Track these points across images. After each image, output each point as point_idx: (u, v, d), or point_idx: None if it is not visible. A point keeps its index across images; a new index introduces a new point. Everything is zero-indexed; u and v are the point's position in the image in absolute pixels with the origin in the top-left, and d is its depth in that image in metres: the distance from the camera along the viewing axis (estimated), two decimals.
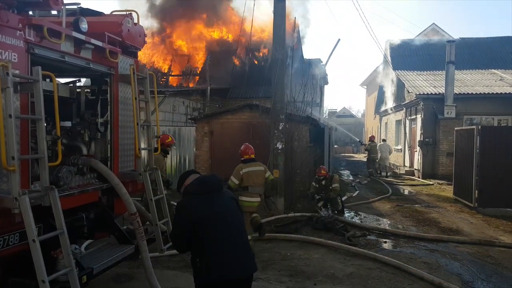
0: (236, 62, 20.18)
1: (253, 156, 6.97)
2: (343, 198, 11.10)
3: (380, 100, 28.88)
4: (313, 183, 10.13)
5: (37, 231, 3.21)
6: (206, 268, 3.01)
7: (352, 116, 55.50)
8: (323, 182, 9.95)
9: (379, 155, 18.99)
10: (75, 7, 4.77)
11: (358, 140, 24.85)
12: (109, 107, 4.75)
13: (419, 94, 17.88)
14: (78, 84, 5.18)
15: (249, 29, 13.59)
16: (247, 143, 7.21)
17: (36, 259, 3.08)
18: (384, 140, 21.18)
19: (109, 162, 4.73)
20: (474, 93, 17.51)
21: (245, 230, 3.38)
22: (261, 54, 21.95)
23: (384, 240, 7.78)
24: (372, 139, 19.67)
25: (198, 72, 21.51)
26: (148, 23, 21.21)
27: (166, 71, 21.95)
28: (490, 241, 7.56)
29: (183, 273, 5.77)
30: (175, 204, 3.85)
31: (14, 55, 3.32)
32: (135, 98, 4.66)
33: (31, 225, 3.08)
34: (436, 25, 30.35)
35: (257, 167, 6.90)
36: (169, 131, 13.59)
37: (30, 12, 3.97)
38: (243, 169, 6.78)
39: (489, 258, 6.70)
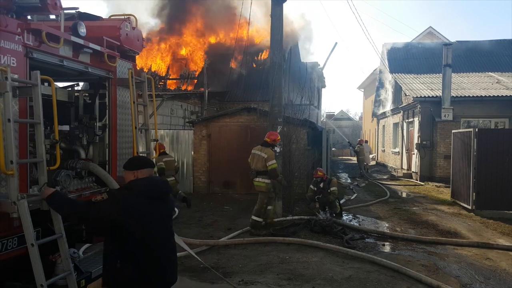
0: (234, 65, 20.21)
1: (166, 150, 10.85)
2: (341, 201, 11.11)
3: (378, 103, 28.97)
4: (311, 186, 10.14)
5: (36, 235, 3.21)
6: (141, 274, 2.89)
7: (349, 119, 55.57)
8: (321, 185, 9.96)
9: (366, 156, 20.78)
10: (73, 11, 4.78)
11: (348, 141, 25.63)
12: (107, 111, 4.75)
13: (416, 97, 17.94)
14: (76, 88, 5.19)
15: (248, 32, 13.62)
16: (161, 143, 11.40)
17: (34, 263, 3.07)
18: (366, 141, 22.95)
19: (107, 166, 4.73)
20: (471, 96, 17.58)
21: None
22: (259, 57, 22.01)
23: (382, 242, 7.78)
24: (360, 142, 21.19)
25: (196, 75, 21.53)
26: (146, 25, 21.27)
27: (164, 74, 21.96)
28: (488, 243, 7.58)
29: (181, 276, 5.76)
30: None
31: (13, 60, 3.32)
32: (133, 102, 4.66)
33: (30, 229, 3.08)
34: (432, 28, 30.51)
35: (170, 158, 10.64)
36: (167, 135, 13.62)
37: (29, 17, 3.98)
38: (163, 159, 10.07)
39: (487, 260, 6.71)
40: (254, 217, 8.32)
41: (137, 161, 3.25)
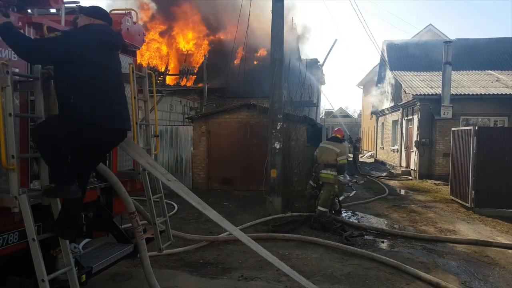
0: (235, 61, 20.14)
1: None
2: (340, 198, 11.11)
3: (377, 100, 28.97)
4: (311, 182, 10.12)
5: (37, 230, 3.20)
6: (86, 108, 3.08)
7: (348, 116, 55.61)
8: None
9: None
10: (74, 5, 4.76)
11: (349, 135, 26.12)
12: None
13: (416, 94, 17.94)
14: None
15: (247, 28, 13.56)
16: None
17: (35, 258, 3.07)
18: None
19: (108, 161, 4.72)
20: (470, 94, 17.60)
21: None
22: (259, 54, 21.93)
23: (382, 240, 7.80)
24: (358, 140, 23.31)
25: (196, 71, 21.46)
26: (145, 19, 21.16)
27: (163, 70, 21.88)
28: (487, 241, 7.60)
29: (181, 272, 5.77)
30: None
31: (14, 54, 3.31)
32: (134, 97, 4.64)
33: (31, 224, 3.07)
34: (432, 25, 30.50)
35: None
36: (166, 130, 13.59)
37: (29, 11, 3.96)
38: None
39: (486, 258, 6.73)
40: (320, 208, 8.90)
41: (96, 9, 3.41)
